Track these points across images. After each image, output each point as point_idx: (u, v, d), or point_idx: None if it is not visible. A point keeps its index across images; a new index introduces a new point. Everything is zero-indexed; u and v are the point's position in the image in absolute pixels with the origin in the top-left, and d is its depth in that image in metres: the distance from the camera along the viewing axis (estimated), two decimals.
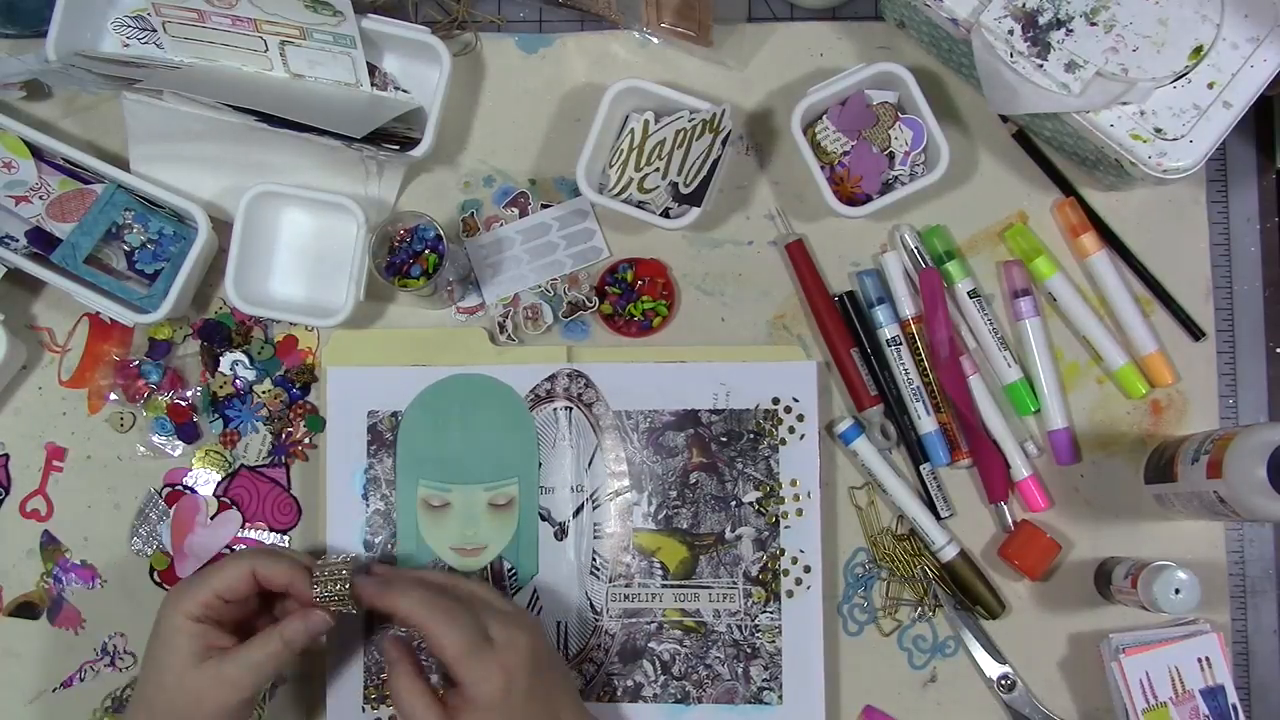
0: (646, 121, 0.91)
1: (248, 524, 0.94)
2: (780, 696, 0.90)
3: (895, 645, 0.92)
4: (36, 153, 0.93)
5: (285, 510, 0.94)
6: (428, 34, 0.91)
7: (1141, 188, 0.91)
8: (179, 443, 0.94)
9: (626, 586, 0.91)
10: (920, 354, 0.92)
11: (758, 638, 0.91)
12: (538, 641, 0.81)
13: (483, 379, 0.93)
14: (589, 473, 0.92)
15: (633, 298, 0.94)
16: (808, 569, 0.91)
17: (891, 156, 0.91)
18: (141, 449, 0.94)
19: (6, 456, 0.94)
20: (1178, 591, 0.83)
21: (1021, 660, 0.91)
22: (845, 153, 0.92)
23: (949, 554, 0.90)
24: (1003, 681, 0.90)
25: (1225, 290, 0.94)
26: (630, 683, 0.91)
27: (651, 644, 0.91)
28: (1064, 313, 0.93)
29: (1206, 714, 0.85)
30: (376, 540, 0.92)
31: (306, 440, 0.94)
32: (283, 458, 0.94)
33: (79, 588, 0.94)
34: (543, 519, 0.92)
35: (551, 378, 0.93)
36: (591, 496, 0.92)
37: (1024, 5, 0.83)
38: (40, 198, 0.92)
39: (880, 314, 0.93)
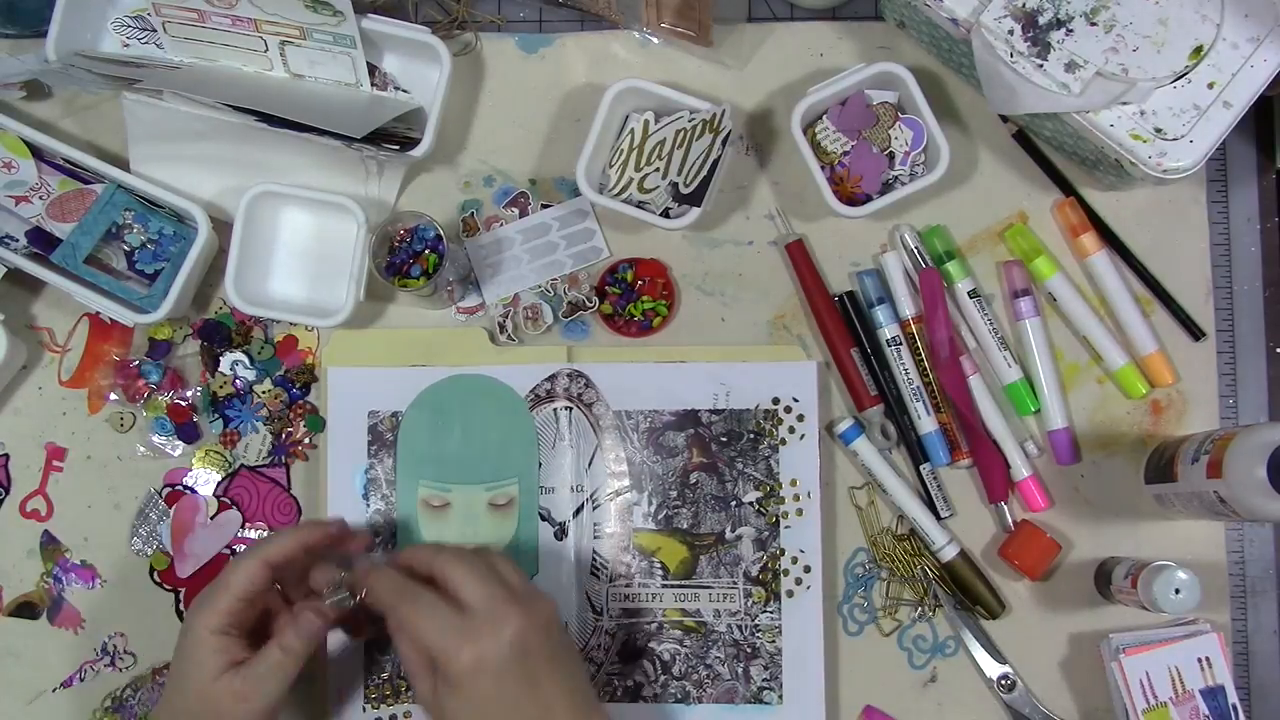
0: (646, 121, 0.91)
1: (248, 524, 0.94)
2: (780, 696, 0.90)
3: (895, 645, 0.92)
4: (36, 153, 0.93)
5: (285, 510, 0.94)
6: (428, 34, 0.91)
7: (1141, 188, 0.91)
8: (179, 443, 0.94)
9: (627, 586, 0.91)
10: (920, 354, 0.92)
11: (758, 638, 0.91)
12: (532, 622, 0.76)
13: (483, 379, 0.93)
14: (589, 473, 0.92)
15: (633, 298, 0.94)
16: (808, 569, 0.91)
17: (891, 156, 0.91)
18: (141, 449, 0.94)
19: (6, 456, 0.94)
20: (1178, 591, 0.83)
21: (1021, 660, 0.91)
22: (845, 153, 0.92)
23: (949, 554, 0.90)
24: (1003, 681, 0.90)
25: (1225, 290, 0.94)
26: (630, 683, 0.91)
27: (651, 644, 0.91)
28: (1064, 313, 0.93)
29: (1207, 714, 0.85)
30: (377, 540, 0.92)
31: (306, 440, 0.94)
32: (283, 458, 0.94)
33: (79, 588, 0.94)
34: (543, 519, 0.92)
35: (551, 378, 0.93)
36: (591, 496, 0.92)
37: (1024, 5, 0.83)
38: (40, 198, 0.92)
39: (880, 314, 0.93)
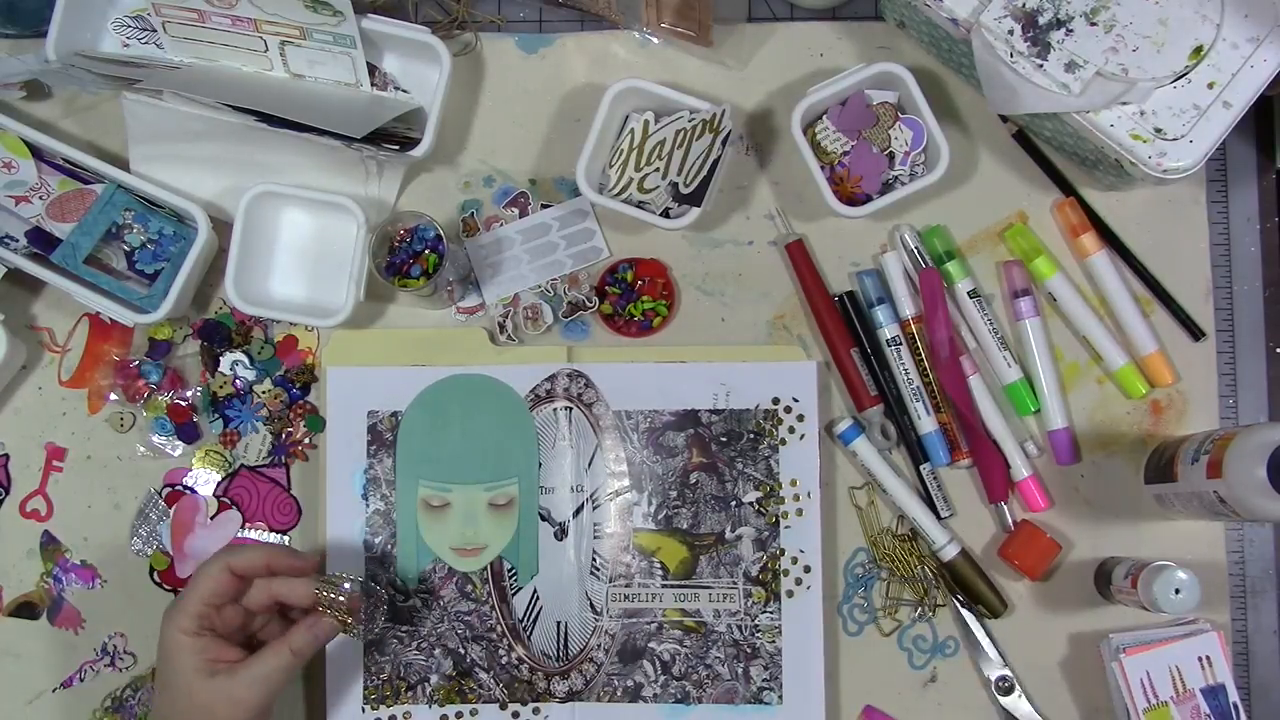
0: (646, 121, 0.91)
1: (248, 524, 0.94)
2: (780, 696, 0.90)
3: (895, 645, 0.92)
4: (36, 153, 0.93)
5: (285, 510, 0.94)
6: (428, 34, 0.91)
7: (1141, 188, 0.91)
8: (179, 443, 0.94)
9: (626, 586, 0.91)
10: (920, 354, 0.92)
11: (758, 638, 0.91)
12: None
13: (483, 379, 0.93)
14: (589, 473, 0.92)
15: (633, 298, 0.94)
16: (808, 569, 0.91)
17: (891, 156, 0.91)
18: (141, 449, 0.94)
19: (6, 456, 0.94)
20: (1178, 591, 0.83)
21: (1021, 660, 0.91)
22: (845, 153, 0.92)
23: (949, 554, 0.90)
24: (1001, 683, 0.90)
25: (1225, 290, 0.94)
26: (630, 683, 0.91)
27: (651, 644, 0.91)
28: (1064, 313, 0.93)
29: (1208, 713, 0.85)
30: (376, 540, 0.92)
31: (306, 440, 0.94)
32: (283, 458, 0.94)
33: (79, 588, 0.93)
34: (543, 519, 0.92)
35: (551, 378, 0.93)
36: (591, 496, 0.92)
37: (1024, 5, 0.83)
38: (40, 198, 0.92)
39: (880, 314, 0.93)
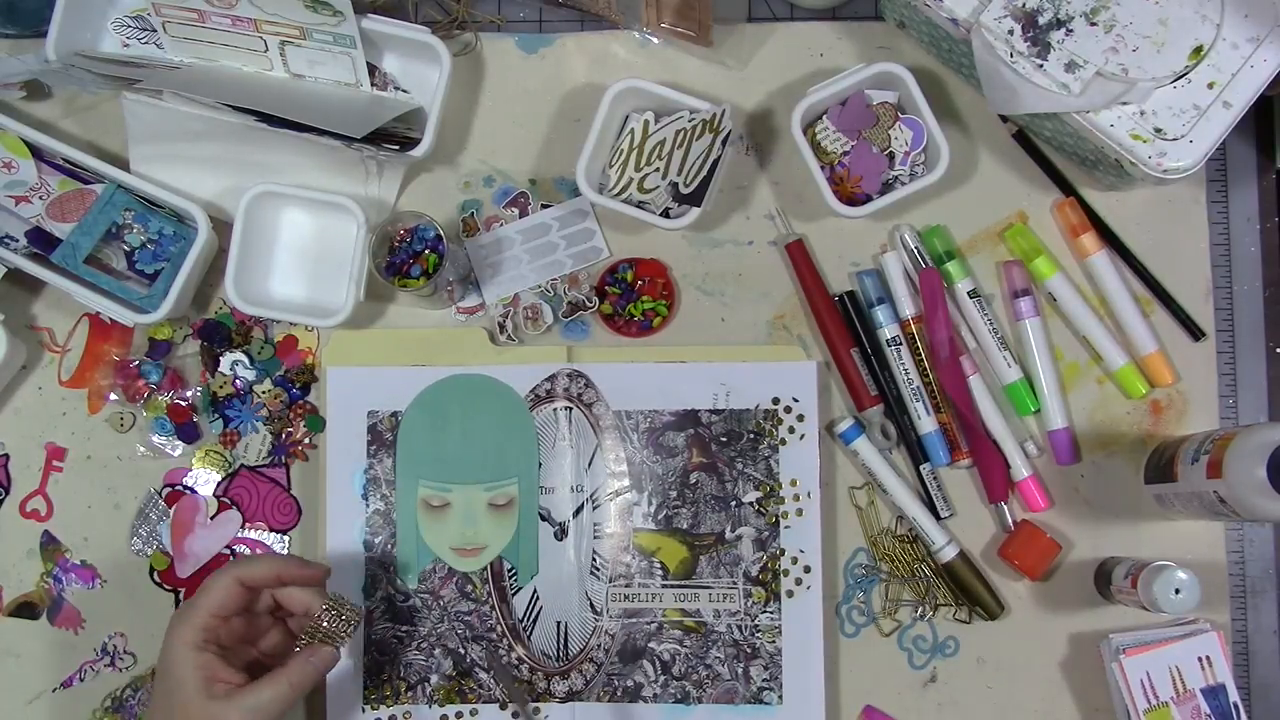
0: (646, 121, 0.91)
1: (247, 524, 0.94)
2: (780, 696, 0.90)
3: (895, 645, 0.92)
4: (36, 153, 0.93)
5: (285, 510, 0.94)
6: (428, 34, 0.91)
7: (1141, 188, 0.91)
8: (179, 443, 0.94)
9: (626, 586, 0.91)
10: (920, 354, 0.92)
11: (758, 638, 0.91)
12: None
13: (483, 379, 0.93)
14: (589, 473, 0.92)
15: (633, 298, 0.94)
16: (808, 569, 0.91)
17: (891, 156, 0.91)
18: (141, 449, 0.94)
19: (6, 456, 0.94)
20: (1178, 591, 0.83)
21: (1021, 660, 0.91)
22: (845, 153, 0.92)
23: (949, 554, 0.90)
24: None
25: (1225, 290, 0.94)
26: (630, 683, 0.91)
27: (651, 644, 0.91)
28: (1064, 313, 0.93)
29: (1208, 713, 0.85)
30: (376, 540, 0.92)
31: (306, 440, 0.94)
32: (283, 458, 0.94)
33: (79, 588, 0.93)
34: (543, 519, 0.92)
35: (551, 378, 0.93)
36: (591, 496, 0.92)
37: (1024, 5, 0.83)
38: (40, 198, 0.92)
39: (880, 314, 0.93)
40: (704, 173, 0.90)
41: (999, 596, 0.91)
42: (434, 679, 0.91)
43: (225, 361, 0.94)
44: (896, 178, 0.91)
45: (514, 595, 0.92)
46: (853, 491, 0.93)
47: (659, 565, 0.92)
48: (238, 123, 0.91)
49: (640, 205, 0.91)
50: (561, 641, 0.91)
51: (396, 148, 0.90)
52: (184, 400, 0.94)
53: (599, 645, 0.91)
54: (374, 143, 0.89)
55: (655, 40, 0.95)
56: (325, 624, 0.80)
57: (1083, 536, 0.92)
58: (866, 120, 0.91)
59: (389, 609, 0.92)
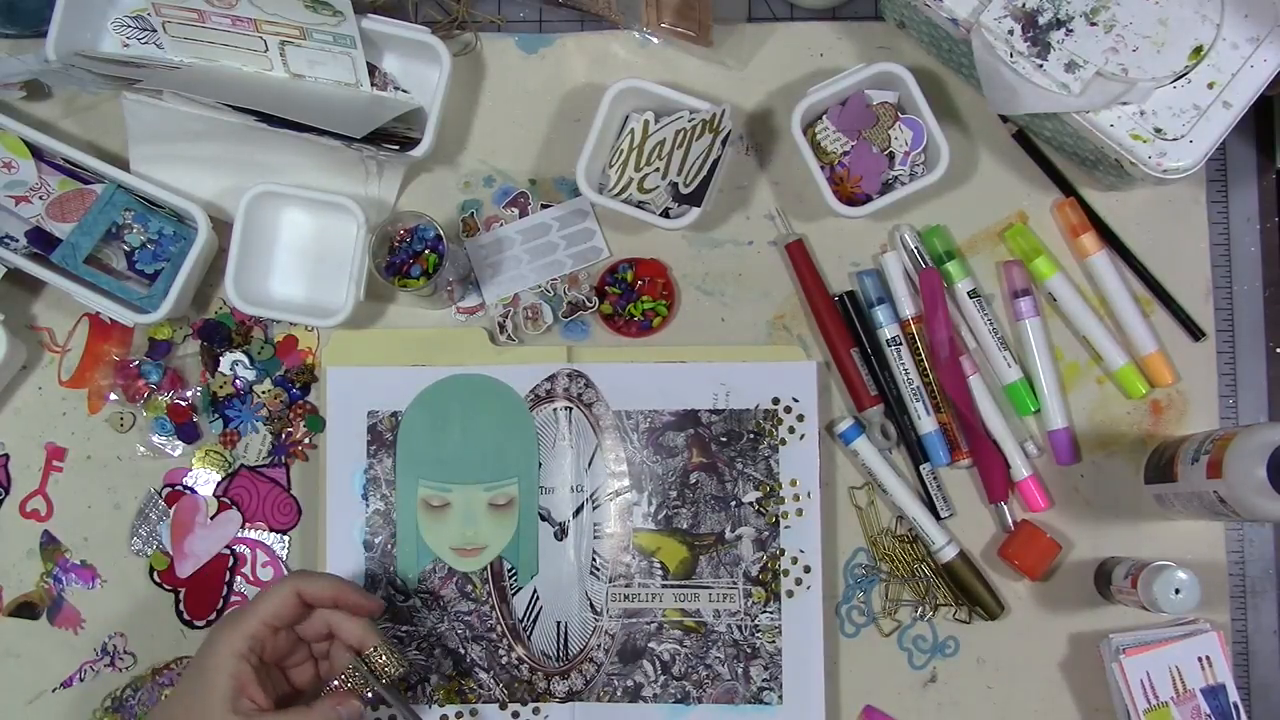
0: (646, 121, 0.91)
1: (247, 524, 0.94)
2: (780, 696, 0.90)
3: (895, 645, 0.92)
4: (36, 153, 0.93)
5: (285, 510, 0.94)
6: (428, 34, 0.91)
7: (1141, 188, 0.91)
8: (179, 443, 0.94)
9: (626, 586, 0.91)
10: (920, 354, 0.92)
11: (758, 638, 0.91)
12: None
13: (483, 379, 0.93)
14: (589, 473, 0.92)
15: (633, 298, 0.94)
16: (808, 569, 0.91)
17: (891, 156, 0.91)
18: (141, 449, 0.94)
19: (6, 456, 0.94)
20: (1178, 591, 0.83)
21: (1021, 660, 0.91)
22: (845, 153, 0.92)
23: (949, 554, 0.90)
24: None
25: (1225, 290, 0.94)
26: (630, 683, 0.91)
27: (651, 644, 0.91)
28: (1064, 313, 0.93)
29: (1208, 713, 0.85)
30: (376, 540, 0.92)
31: (306, 440, 0.94)
32: (283, 458, 0.94)
33: (79, 588, 0.93)
34: (543, 519, 0.92)
35: (551, 378, 0.93)
36: (591, 496, 0.92)
37: (1024, 5, 0.83)
38: (40, 198, 0.92)
39: (880, 314, 0.93)
40: (704, 173, 0.90)
41: (999, 596, 0.91)
42: (434, 679, 0.91)
43: (225, 361, 0.94)
44: (896, 178, 0.91)
45: (514, 595, 0.92)
46: (853, 491, 0.93)
47: (659, 565, 0.92)
48: (238, 123, 0.91)
49: (640, 205, 0.91)
50: (561, 641, 0.91)
51: (396, 148, 0.90)
52: (184, 400, 0.94)
53: (599, 645, 0.91)
54: (374, 143, 0.89)
55: (655, 40, 0.95)
56: (374, 661, 0.79)
57: (1083, 536, 0.92)
58: (866, 120, 0.91)
59: (389, 609, 0.92)
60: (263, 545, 0.94)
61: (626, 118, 0.93)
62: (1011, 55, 0.83)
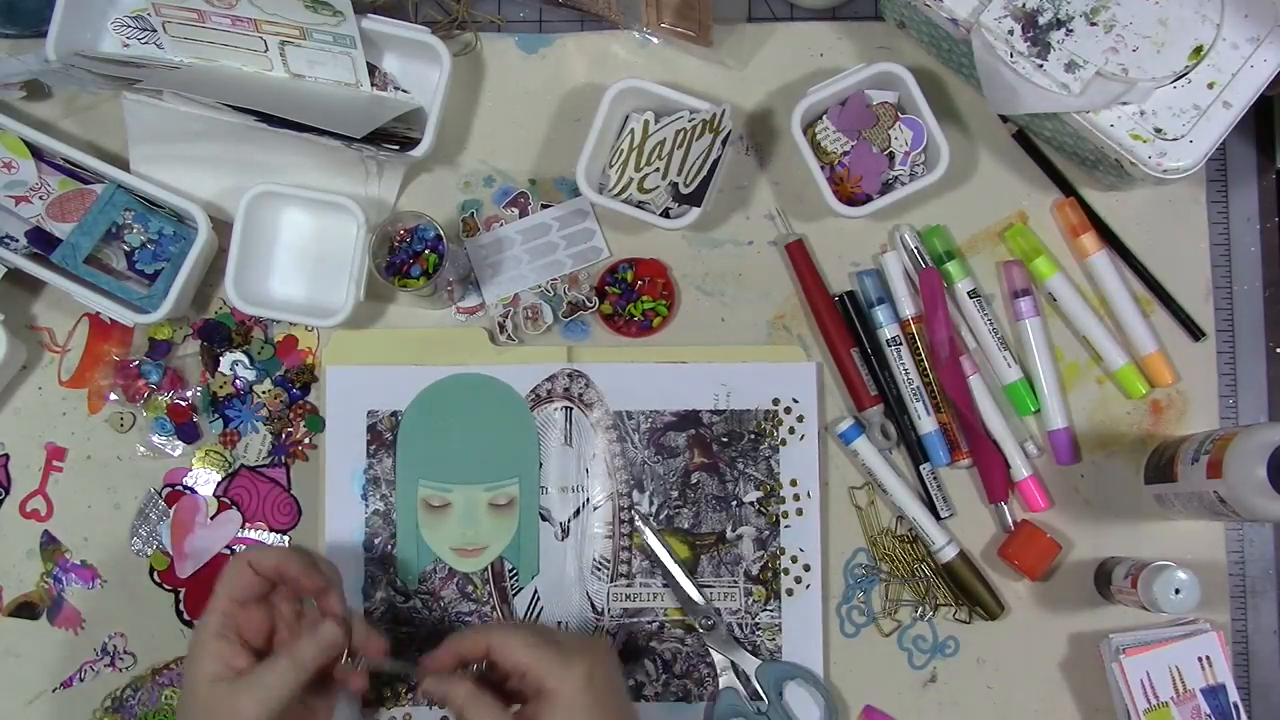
0: (646, 121, 0.91)
1: (248, 524, 0.94)
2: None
3: (895, 645, 0.92)
4: (36, 153, 0.93)
5: (285, 510, 0.94)
6: (428, 34, 0.91)
7: (1141, 188, 0.91)
8: (179, 443, 0.94)
9: (627, 586, 0.91)
10: (920, 354, 0.92)
11: (758, 636, 0.91)
12: (608, 656, 0.80)
13: (483, 379, 0.93)
14: (589, 473, 0.92)
15: (633, 298, 0.94)
16: (807, 568, 0.91)
17: (891, 156, 0.91)
18: (141, 449, 0.94)
19: (6, 456, 0.94)
20: (1178, 591, 0.83)
21: (1021, 660, 0.91)
22: (845, 153, 0.92)
23: (949, 554, 0.90)
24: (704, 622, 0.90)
25: (1225, 290, 0.94)
26: (631, 682, 0.91)
27: (653, 643, 0.91)
28: (1064, 313, 0.93)
29: (1208, 713, 0.85)
30: (376, 540, 0.92)
31: (306, 440, 0.94)
32: (283, 458, 0.94)
33: (79, 588, 0.93)
34: (543, 519, 0.92)
35: (551, 378, 0.93)
36: (592, 497, 0.92)
37: (1024, 5, 0.83)
38: (40, 198, 0.92)
39: (880, 314, 0.93)
40: (704, 173, 0.90)
41: (999, 596, 0.91)
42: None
43: (225, 361, 0.94)
44: (896, 178, 0.91)
45: (515, 595, 0.92)
46: (853, 491, 0.93)
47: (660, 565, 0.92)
48: (238, 123, 0.91)
49: (640, 205, 0.91)
50: None
51: (396, 148, 0.90)
52: (184, 400, 0.94)
53: None
54: (374, 143, 0.89)
55: (655, 40, 0.95)
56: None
57: (1083, 536, 0.92)
58: (866, 120, 0.91)
59: (389, 610, 0.92)
60: (263, 545, 0.93)
61: (626, 118, 0.93)
62: (1011, 55, 0.83)
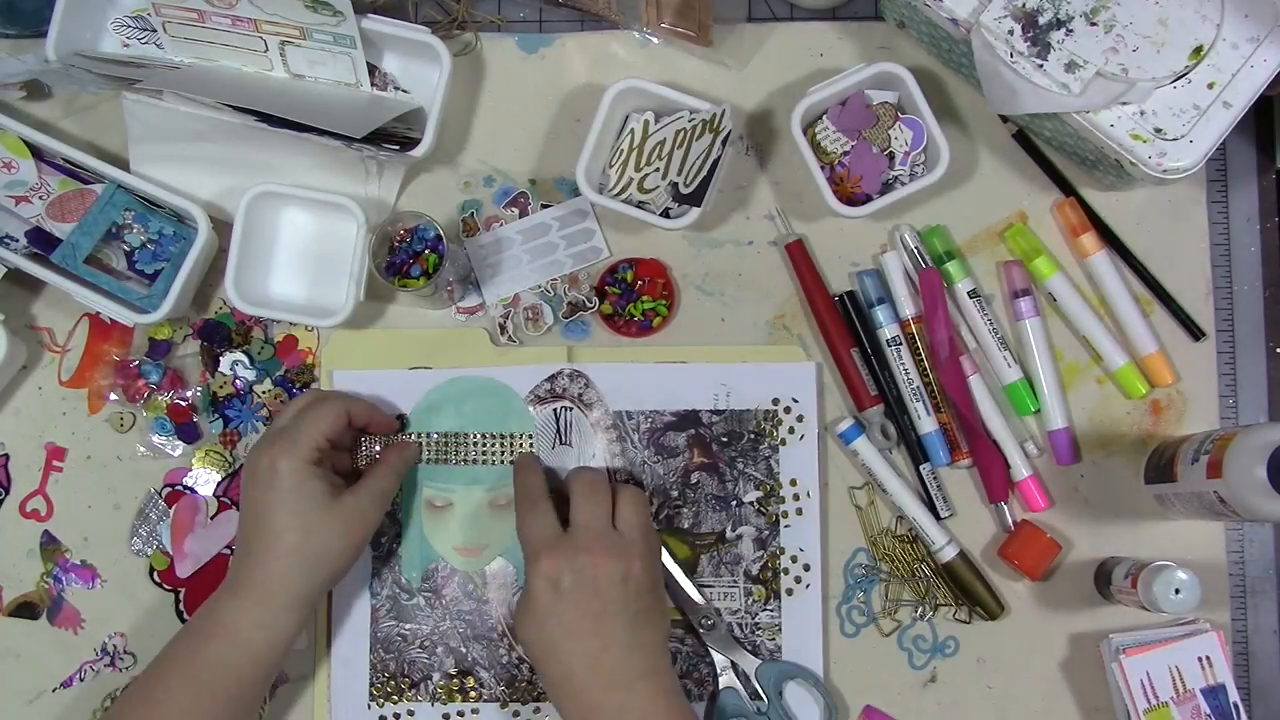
0: (646, 121, 0.91)
1: None
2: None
3: (895, 645, 0.92)
4: (36, 153, 0.92)
5: None
6: (428, 34, 0.91)
7: (1141, 188, 0.91)
8: (179, 443, 0.94)
9: None
10: (920, 354, 0.92)
11: (758, 636, 0.91)
12: (613, 564, 0.81)
13: (484, 380, 0.93)
14: None
15: (633, 298, 0.94)
16: (807, 567, 0.91)
17: (891, 156, 0.91)
18: (141, 449, 0.94)
19: (6, 456, 0.94)
20: (1178, 591, 0.83)
21: (1021, 660, 0.91)
22: (845, 153, 0.92)
23: (949, 554, 0.90)
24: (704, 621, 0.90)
25: (1225, 290, 0.94)
26: None
27: None
28: (1064, 313, 0.93)
29: (1208, 713, 0.85)
30: (382, 540, 0.92)
31: None
32: None
33: (79, 588, 0.93)
34: None
35: (551, 378, 0.93)
36: None
37: (1024, 5, 0.83)
38: (40, 198, 0.92)
39: (880, 314, 0.93)
40: (704, 173, 0.90)
41: (999, 596, 0.91)
42: (436, 677, 0.91)
43: (225, 361, 0.94)
44: (896, 178, 0.91)
45: (515, 595, 0.92)
46: (853, 491, 0.93)
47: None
48: (238, 123, 0.91)
49: (640, 205, 0.91)
50: None
51: (396, 148, 0.90)
52: (184, 400, 0.94)
53: None
54: (374, 143, 0.89)
55: (655, 40, 0.95)
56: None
57: (1083, 536, 0.92)
58: (866, 120, 0.91)
59: (393, 607, 0.92)
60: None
61: (626, 118, 0.93)
62: (1011, 55, 0.83)
